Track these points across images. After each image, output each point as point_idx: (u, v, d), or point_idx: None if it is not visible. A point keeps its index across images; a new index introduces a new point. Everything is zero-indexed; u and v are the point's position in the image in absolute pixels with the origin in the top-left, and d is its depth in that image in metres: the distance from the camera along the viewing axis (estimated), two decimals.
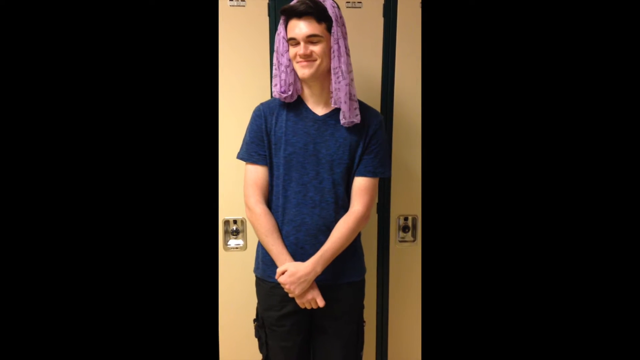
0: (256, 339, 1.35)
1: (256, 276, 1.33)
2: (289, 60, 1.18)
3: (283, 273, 1.19)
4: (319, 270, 1.18)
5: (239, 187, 1.51)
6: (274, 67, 1.21)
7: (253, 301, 1.56)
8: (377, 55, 1.49)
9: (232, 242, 1.57)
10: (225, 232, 1.56)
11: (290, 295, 1.20)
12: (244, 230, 1.56)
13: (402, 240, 1.61)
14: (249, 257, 1.56)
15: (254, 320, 1.35)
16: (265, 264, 1.28)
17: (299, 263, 1.19)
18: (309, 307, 1.22)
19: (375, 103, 1.48)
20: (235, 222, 1.55)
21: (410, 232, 1.60)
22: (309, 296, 1.19)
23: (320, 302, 1.20)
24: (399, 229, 1.60)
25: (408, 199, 1.57)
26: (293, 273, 1.17)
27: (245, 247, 1.56)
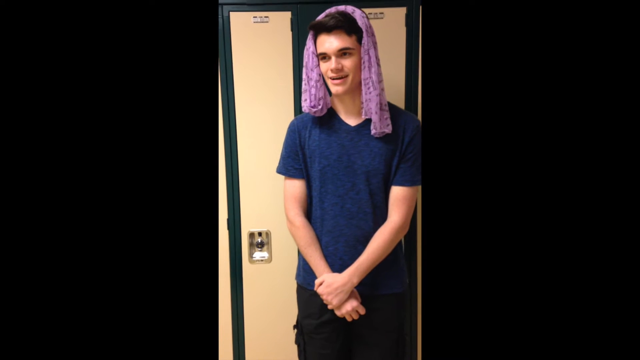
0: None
1: (297, 283, 1.34)
2: (319, 75, 1.18)
3: (321, 284, 1.20)
4: (355, 281, 1.18)
5: (264, 199, 1.52)
6: (303, 82, 1.21)
7: (278, 313, 1.55)
8: (400, 64, 1.49)
9: (257, 255, 1.57)
10: (250, 244, 1.56)
11: (329, 306, 1.20)
12: (268, 243, 1.56)
13: None
14: (274, 269, 1.56)
15: (294, 327, 1.35)
16: (305, 272, 1.28)
17: (336, 274, 1.19)
18: (348, 319, 1.21)
19: None
20: (260, 234, 1.56)
21: None
22: (348, 307, 1.19)
23: (361, 310, 1.20)
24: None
25: None
26: (330, 284, 1.18)
27: (270, 260, 1.56)
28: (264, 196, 1.52)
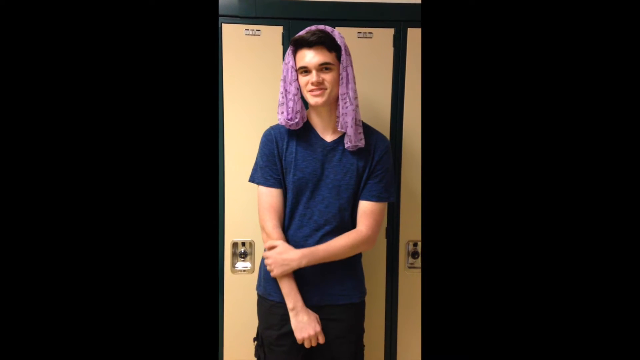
0: None
1: (258, 294, 1.33)
2: (297, 88, 1.21)
3: (272, 248, 1.20)
4: (303, 263, 1.18)
5: (247, 209, 1.52)
6: (280, 95, 1.23)
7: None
8: (386, 83, 1.53)
9: (240, 265, 1.56)
10: (233, 254, 1.55)
11: (271, 274, 1.20)
12: (252, 253, 1.55)
13: (412, 267, 1.59)
14: (257, 280, 1.55)
15: (254, 339, 1.34)
16: (266, 282, 1.28)
17: (291, 247, 1.20)
18: (307, 345, 1.20)
19: (384, 130, 1.51)
20: (243, 244, 1.55)
21: (419, 258, 1.59)
22: (311, 331, 1.19)
23: (321, 339, 1.20)
24: (408, 255, 1.59)
25: (417, 224, 1.57)
26: (281, 252, 1.19)
27: (252, 270, 1.55)
28: (248, 206, 1.53)
